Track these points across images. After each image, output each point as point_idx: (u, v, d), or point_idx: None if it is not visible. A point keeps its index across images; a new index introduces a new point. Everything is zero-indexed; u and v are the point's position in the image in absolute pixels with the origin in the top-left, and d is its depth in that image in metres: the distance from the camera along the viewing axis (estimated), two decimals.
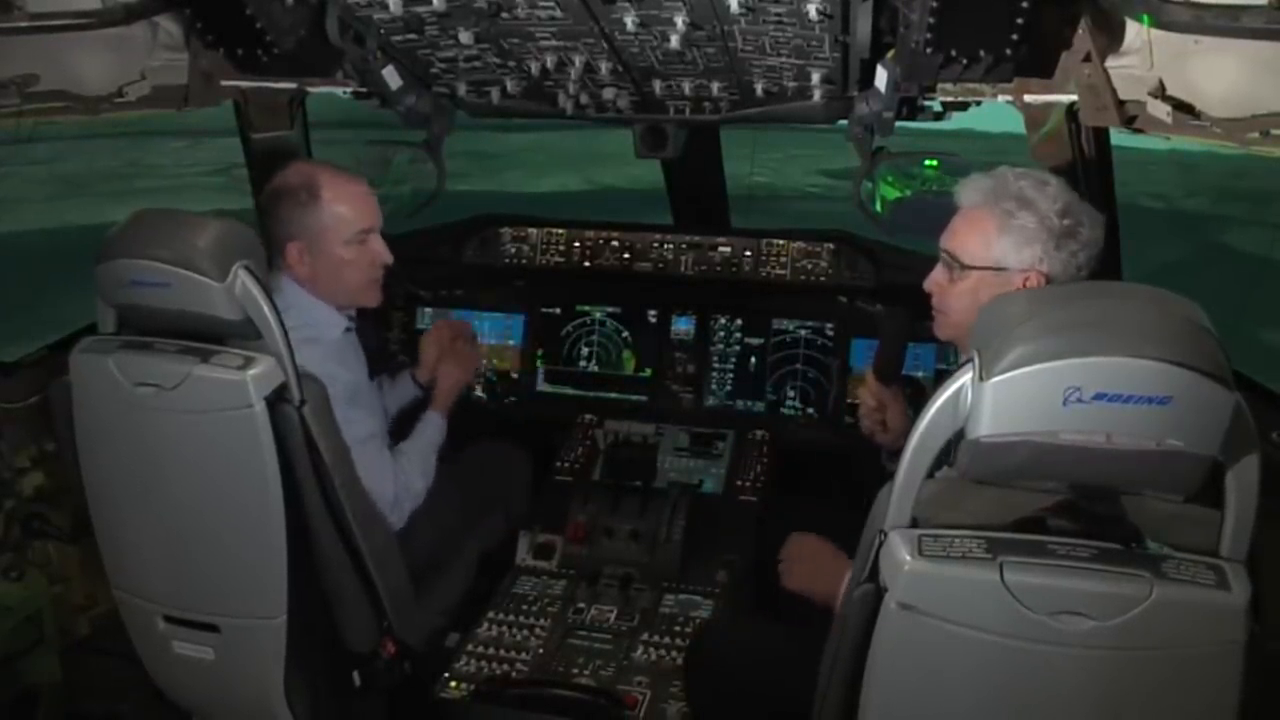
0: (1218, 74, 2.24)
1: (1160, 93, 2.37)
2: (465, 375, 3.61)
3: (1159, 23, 1.98)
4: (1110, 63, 2.46)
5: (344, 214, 2.98)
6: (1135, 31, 2.36)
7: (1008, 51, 2.38)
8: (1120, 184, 3.12)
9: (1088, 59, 2.50)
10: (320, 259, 2.99)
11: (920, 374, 3.81)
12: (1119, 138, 2.76)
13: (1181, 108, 2.34)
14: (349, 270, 3.03)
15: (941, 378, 2.23)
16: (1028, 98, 2.86)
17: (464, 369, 3.61)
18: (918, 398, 3.52)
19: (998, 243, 2.47)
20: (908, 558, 1.71)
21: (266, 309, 2.42)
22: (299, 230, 2.95)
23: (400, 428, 3.41)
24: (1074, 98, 2.74)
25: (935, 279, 2.63)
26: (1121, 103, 2.51)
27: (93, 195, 18.35)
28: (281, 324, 2.45)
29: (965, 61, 2.45)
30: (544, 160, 22.00)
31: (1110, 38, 2.42)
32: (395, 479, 3.08)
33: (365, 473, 2.78)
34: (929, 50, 2.41)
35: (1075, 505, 1.78)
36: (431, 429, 3.38)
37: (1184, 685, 1.72)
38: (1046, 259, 2.43)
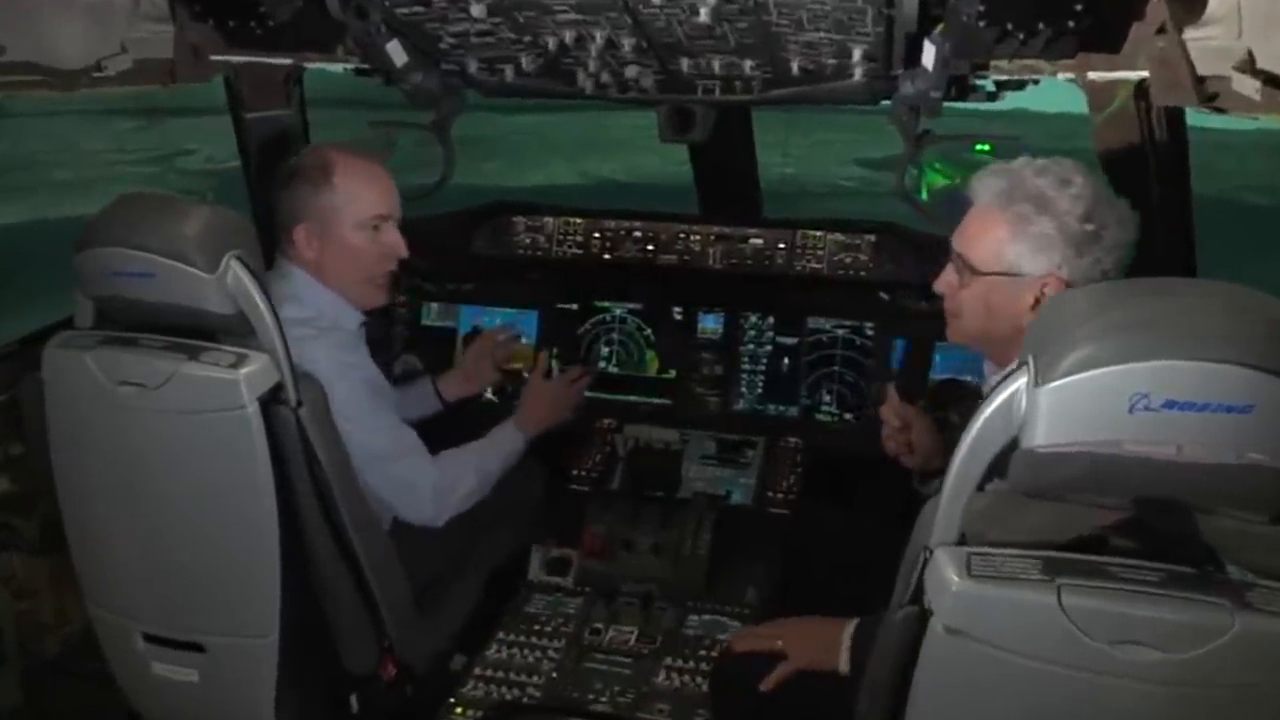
0: None
1: (1249, 66, 2.31)
2: (561, 412, 3.70)
3: None
4: (1189, 34, 2.39)
5: (355, 195, 2.99)
6: None
7: (1070, 24, 2.35)
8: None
9: (1161, 30, 2.45)
10: (329, 243, 2.98)
11: (969, 377, 3.77)
12: (1195, 118, 2.71)
13: (1273, 82, 2.27)
14: (358, 259, 3.02)
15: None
16: (1092, 75, 2.81)
17: (560, 405, 3.71)
18: (967, 402, 3.47)
19: (1011, 248, 2.43)
20: (955, 578, 1.68)
21: (261, 303, 2.42)
22: (309, 211, 2.96)
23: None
24: (1144, 74, 2.69)
25: (946, 280, 2.62)
26: (1201, 79, 2.45)
27: None
28: (277, 319, 2.44)
29: (1023, 36, 2.42)
30: (536, 146, 20.70)
31: (1189, 6, 2.36)
32: (432, 467, 3.07)
33: (400, 462, 2.89)
34: (982, 23, 2.38)
35: (1141, 523, 1.75)
36: (508, 438, 3.42)
37: None
38: (1066, 265, 2.39)
